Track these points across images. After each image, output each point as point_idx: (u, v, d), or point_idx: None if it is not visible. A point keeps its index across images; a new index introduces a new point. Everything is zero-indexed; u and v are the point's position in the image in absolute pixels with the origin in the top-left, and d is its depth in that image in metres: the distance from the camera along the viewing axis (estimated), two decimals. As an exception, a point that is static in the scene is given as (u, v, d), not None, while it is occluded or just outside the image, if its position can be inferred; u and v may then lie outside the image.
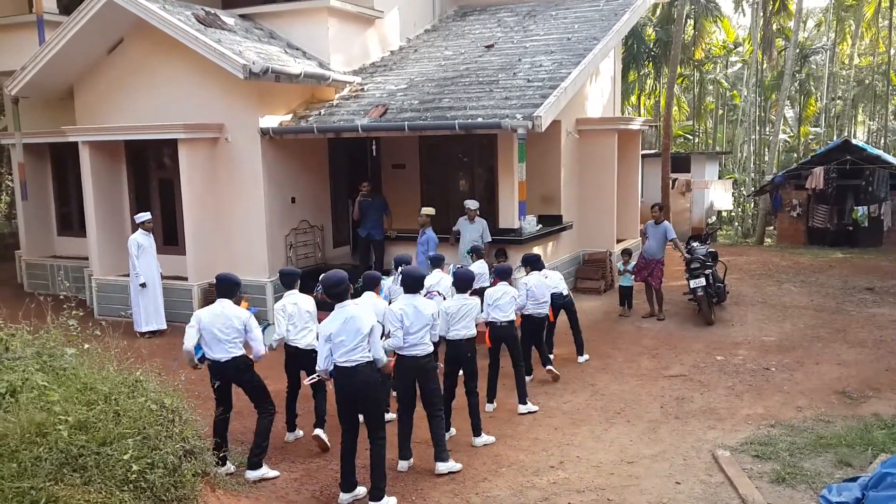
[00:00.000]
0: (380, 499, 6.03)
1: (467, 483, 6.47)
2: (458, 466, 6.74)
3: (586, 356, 10.01)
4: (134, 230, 11.83)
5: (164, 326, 11.66)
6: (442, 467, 6.67)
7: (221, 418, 6.62)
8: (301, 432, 7.56)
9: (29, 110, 14.02)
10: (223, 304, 6.60)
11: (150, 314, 11.55)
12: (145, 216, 11.60)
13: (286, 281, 7.41)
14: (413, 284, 6.70)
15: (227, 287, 6.72)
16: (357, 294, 7.36)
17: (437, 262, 9.28)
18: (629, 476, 6.54)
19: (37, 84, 12.67)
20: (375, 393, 6.16)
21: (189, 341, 6.51)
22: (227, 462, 6.56)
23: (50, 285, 14.12)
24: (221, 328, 6.48)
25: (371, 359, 6.05)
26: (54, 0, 13.61)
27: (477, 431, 7.33)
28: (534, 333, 8.97)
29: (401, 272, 7.09)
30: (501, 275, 8.46)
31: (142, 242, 11.43)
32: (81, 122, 12.83)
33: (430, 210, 11.54)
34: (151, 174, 12.99)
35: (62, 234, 15.16)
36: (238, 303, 6.84)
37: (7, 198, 23.79)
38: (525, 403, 8.19)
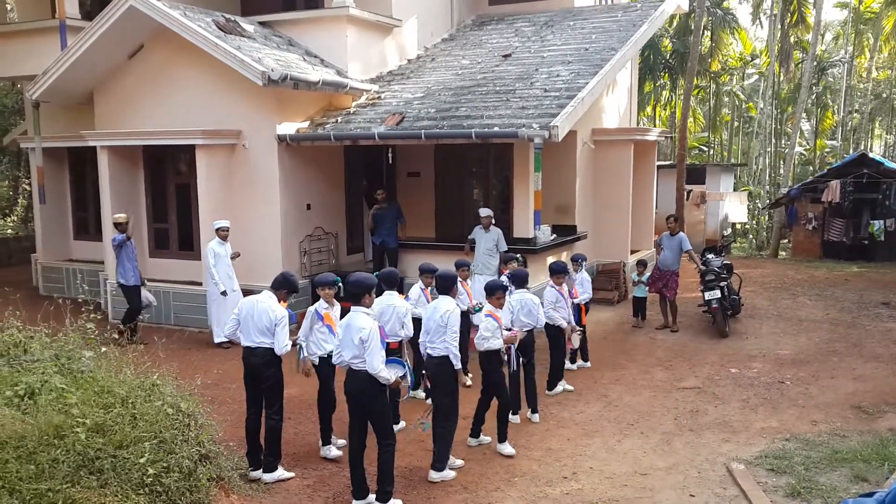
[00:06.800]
0: (385, 501, 6.02)
1: (480, 492, 6.46)
2: (452, 475, 6.71)
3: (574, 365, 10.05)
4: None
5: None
6: (434, 476, 6.66)
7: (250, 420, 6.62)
8: (343, 441, 7.09)
9: (49, 115, 14.15)
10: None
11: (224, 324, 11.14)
12: (220, 223, 11.03)
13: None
14: (444, 286, 6.81)
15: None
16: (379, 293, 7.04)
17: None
18: (643, 488, 6.51)
19: (58, 89, 12.81)
20: (375, 401, 5.98)
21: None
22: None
23: (65, 289, 14.22)
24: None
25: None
26: (77, 5, 13.75)
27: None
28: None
29: (437, 275, 7.14)
30: (518, 281, 8.06)
31: (217, 251, 10.89)
32: (100, 127, 12.95)
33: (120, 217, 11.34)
34: (169, 179, 13.07)
35: (78, 238, 15.31)
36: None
37: (24, 201, 24.01)
38: (535, 412, 8.18)
